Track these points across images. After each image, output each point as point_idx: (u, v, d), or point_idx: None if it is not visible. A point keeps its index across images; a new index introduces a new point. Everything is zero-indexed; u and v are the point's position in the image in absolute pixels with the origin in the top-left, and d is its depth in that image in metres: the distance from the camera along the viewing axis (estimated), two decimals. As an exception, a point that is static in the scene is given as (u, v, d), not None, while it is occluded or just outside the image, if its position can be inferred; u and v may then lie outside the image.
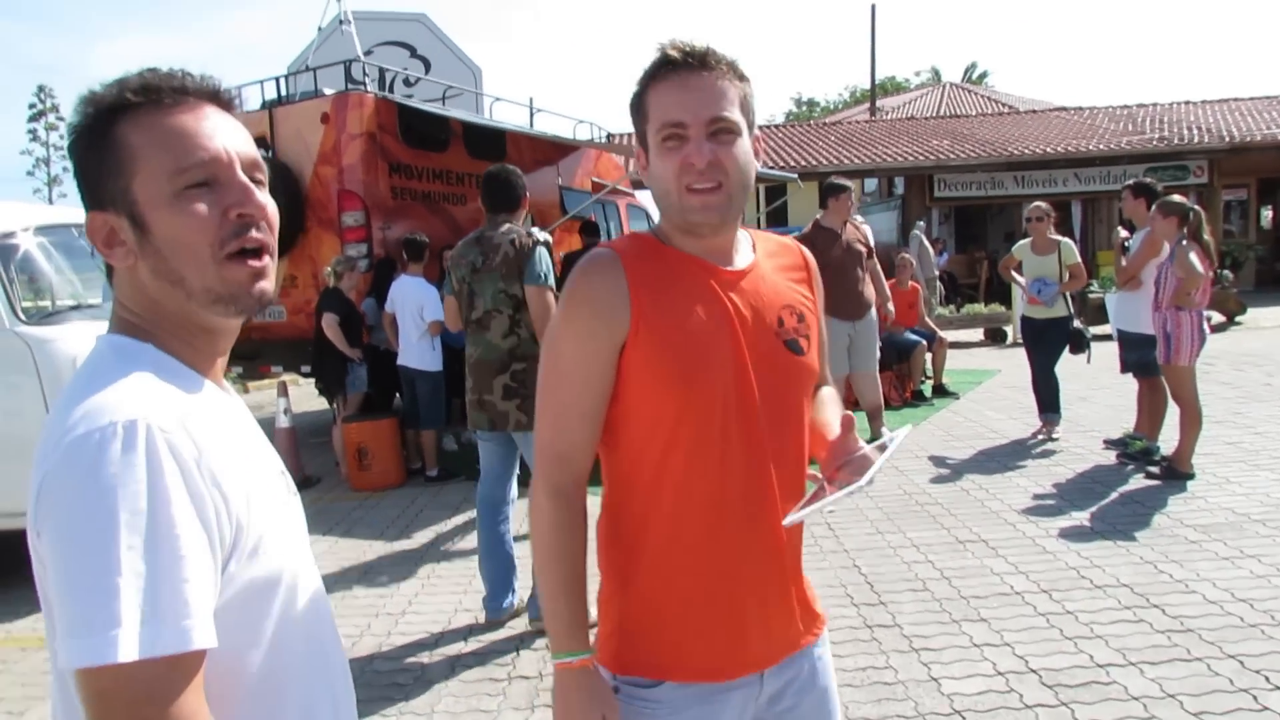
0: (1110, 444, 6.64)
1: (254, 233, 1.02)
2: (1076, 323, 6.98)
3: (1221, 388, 8.66)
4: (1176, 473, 5.70)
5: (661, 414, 1.36)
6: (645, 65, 1.38)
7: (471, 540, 5.45)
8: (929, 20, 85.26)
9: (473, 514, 6.00)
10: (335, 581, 4.87)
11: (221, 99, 1.05)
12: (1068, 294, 6.93)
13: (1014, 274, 7.29)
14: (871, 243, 8.93)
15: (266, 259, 1.04)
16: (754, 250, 1.48)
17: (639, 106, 1.39)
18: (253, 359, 8.44)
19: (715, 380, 1.36)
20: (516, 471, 4.33)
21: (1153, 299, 5.79)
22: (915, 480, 6.14)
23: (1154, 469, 5.87)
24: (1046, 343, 6.96)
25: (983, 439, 7.26)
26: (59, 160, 48.22)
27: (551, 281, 4.04)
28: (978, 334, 14.23)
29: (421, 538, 5.59)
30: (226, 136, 1.02)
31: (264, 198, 1.04)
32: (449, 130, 8.48)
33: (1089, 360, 7.20)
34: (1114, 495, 5.56)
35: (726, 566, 1.39)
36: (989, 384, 9.99)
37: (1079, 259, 6.97)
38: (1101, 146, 18.40)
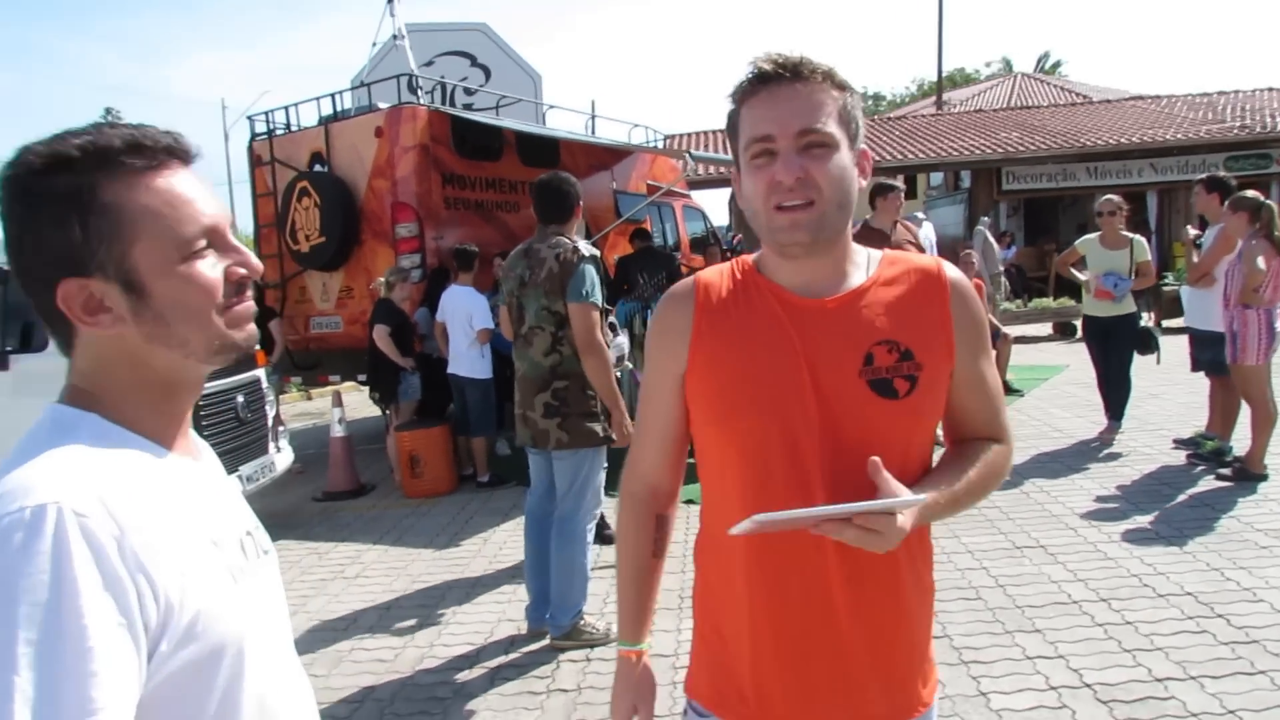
0: (1180, 444, 6.36)
1: (249, 290, 1.05)
2: (1144, 321, 6.71)
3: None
4: (1249, 474, 5.45)
5: (710, 450, 1.38)
6: (737, 82, 1.30)
7: (519, 548, 5.46)
8: (1000, 9, 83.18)
9: (520, 520, 6.05)
10: (382, 591, 4.92)
11: (190, 157, 1.04)
12: (1132, 292, 6.67)
13: (1073, 270, 7.01)
14: (931, 240, 8.74)
15: (250, 300, 1.06)
16: (869, 273, 1.34)
17: (733, 126, 1.32)
18: (312, 368, 8.65)
19: (760, 422, 1.29)
20: (598, 487, 4.17)
21: (1222, 296, 5.56)
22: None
23: (1225, 470, 5.62)
24: (1117, 342, 6.68)
25: (1047, 439, 7.01)
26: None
27: (596, 298, 3.91)
28: (1046, 328, 13.81)
29: (470, 546, 5.62)
30: (214, 198, 1.02)
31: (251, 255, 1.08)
32: (502, 139, 8.56)
33: (1159, 361, 6.93)
34: (1182, 498, 5.31)
35: (774, 623, 1.32)
36: (1056, 380, 9.66)
37: (1150, 256, 6.70)
38: (1179, 136, 17.66)
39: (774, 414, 1.28)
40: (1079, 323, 7.35)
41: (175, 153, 0.99)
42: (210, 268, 0.99)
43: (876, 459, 1.19)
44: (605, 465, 4.14)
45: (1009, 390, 8.98)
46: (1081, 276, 6.88)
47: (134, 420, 0.99)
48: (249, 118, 8.89)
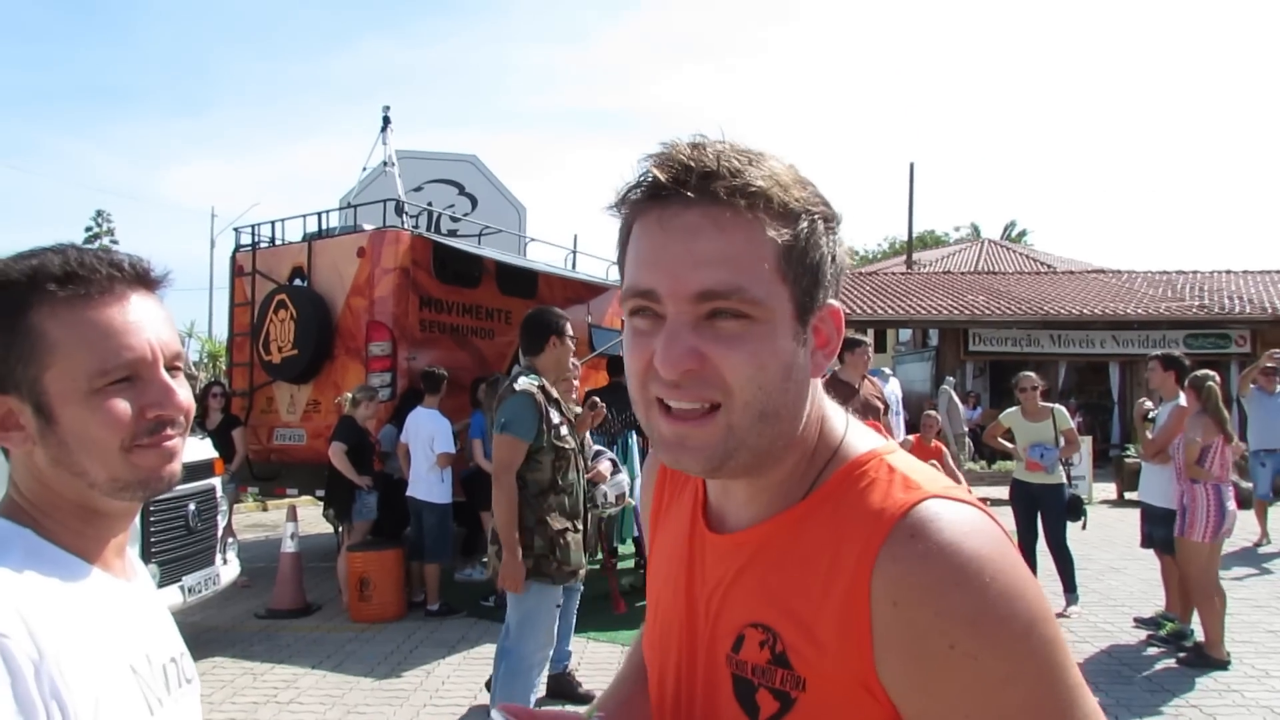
0: (1141, 623, 6.31)
1: (169, 430, 1.00)
2: (1070, 490, 6.88)
3: (1274, 566, 8.27)
4: (1208, 659, 5.39)
5: None
6: (623, 184, 0.84)
7: (461, 685, 5.28)
8: (970, 177, 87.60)
9: (467, 653, 5.88)
10: (315, 720, 4.71)
11: (148, 281, 1.02)
12: (1062, 460, 6.89)
13: (1001, 440, 7.25)
14: (897, 395, 8.90)
15: (177, 440, 1.01)
16: (805, 492, 0.86)
17: (622, 247, 0.86)
18: (270, 479, 8.52)
19: (650, 656, 1.01)
20: (547, 626, 4.01)
21: (1175, 471, 5.69)
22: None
23: (1183, 654, 5.56)
24: (1047, 512, 6.79)
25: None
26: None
27: (516, 430, 3.86)
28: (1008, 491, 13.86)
29: (412, 678, 5.42)
30: (152, 329, 0.99)
31: (184, 394, 1.01)
32: (482, 267, 8.73)
33: (1084, 527, 7.03)
34: (1140, 679, 5.25)
35: None
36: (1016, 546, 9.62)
37: (1072, 424, 7.01)
38: (1140, 310, 18.37)
39: (654, 659, 0.99)
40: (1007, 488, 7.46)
41: (125, 280, 0.99)
42: (121, 403, 0.95)
43: None
44: (559, 604, 4.05)
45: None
46: (1009, 446, 7.14)
47: (62, 538, 0.99)
48: (235, 229, 9.05)
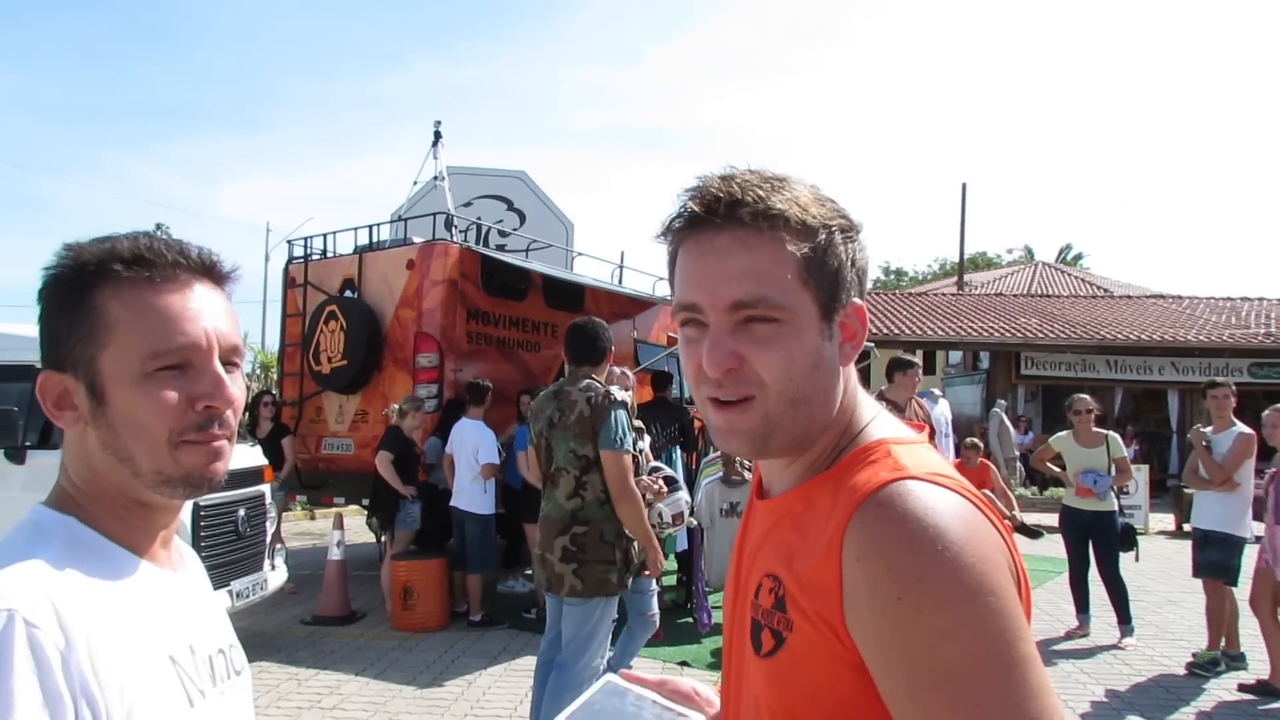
0: (1196, 668, 6.04)
1: (216, 429, 0.98)
2: (1123, 519, 6.70)
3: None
4: (1274, 690, 5.23)
5: None
6: (666, 216, 0.99)
7: (502, 695, 5.28)
8: (1024, 199, 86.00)
9: (509, 664, 5.88)
10: (355, 726, 4.73)
11: (215, 274, 1.02)
12: (1114, 488, 6.71)
13: (1049, 465, 7.09)
14: (947, 417, 8.77)
15: (225, 441, 1.00)
16: (827, 466, 0.99)
17: (671, 271, 1.01)
18: (318, 488, 8.63)
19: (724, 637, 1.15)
20: (604, 638, 3.97)
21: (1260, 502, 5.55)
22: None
23: (1248, 683, 5.39)
24: (1099, 541, 6.63)
25: (1056, 635, 6.79)
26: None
27: (628, 445, 3.86)
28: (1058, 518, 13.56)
29: (453, 687, 5.43)
30: (211, 319, 0.98)
31: (235, 388, 0.99)
32: (529, 280, 8.80)
33: (1137, 558, 6.87)
34: (1194, 713, 5.07)
35: None
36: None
37: (1126, 453, 6.84)
38: (1201, 337, 17.87)
39: (725, 612, 1.14)
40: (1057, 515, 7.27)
41: (190, 268, 0.99)
42: (170, 391, 0.95)
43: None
44: (615, 617, 4.02)
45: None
46: (1057, 471, 6.98)
47: (106, 525, 0.98)
48: (288, 241, 9.22)
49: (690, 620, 6.78)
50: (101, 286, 0.95)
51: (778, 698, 0.92)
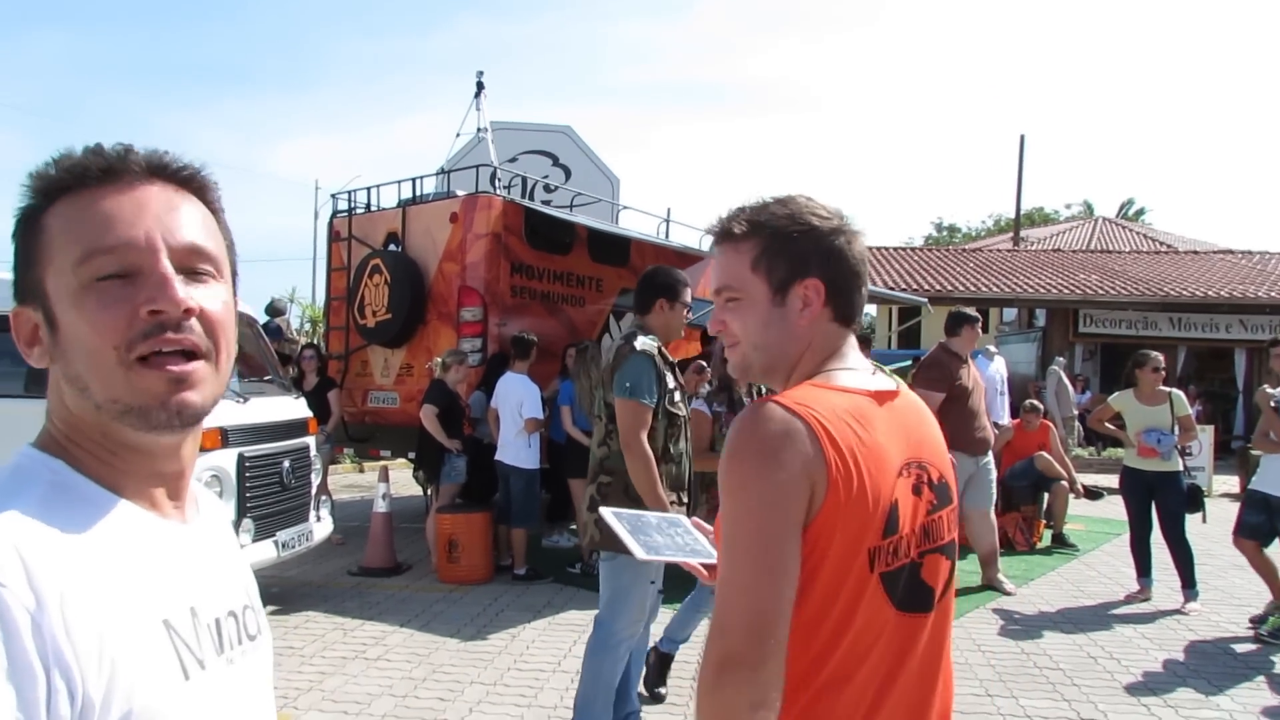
0: (1256, 622, 5.85)
1: (170, 334, 0.83)
2: (1189, 479, 6.38)
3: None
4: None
5: None
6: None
7: (546, 649, 5.24)
8: (1084, 152, 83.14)
9: (552, 618, 5.84)
10: (401, 678, 4.73)
11: (170, 175, 0.89)
12: (1179, 448, 6.42)
13: (1109, 425, 6.79)
14: (1002, 375, 8.49)
15: (195, 363, 0.85)
16: None
17: None
18: (364, 441, 8.68)
19: None
20: (639, 601, 3.71)
21: None
22: (1036, 639, 5.56)
23: None
24: (1164, 502, 6.38)
25: (1115, 598, 6.58)
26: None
27: (641, 395, 3.59)
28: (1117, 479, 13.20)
29: (497, 641, 5.41)
30: (156, 219, 0.85)
31: (196, 292, 0.85)
32: (574, 234, 8.65)
33: (1204, 519, 6.55)
34: (1261, 678, 4.87)
35: None
36: (1128, 536, 9.12)
37: (1190, 411, 6.52)
38: (1273, 294, 17.19)
39: None
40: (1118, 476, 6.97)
41: (135, 171, 0.86)
42: (108, 300, 0.82)
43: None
44: (653, 581, 3.82)
45: (1064, 544, 8.47)
46: (1116, 431, 6.70)
47: (91, 468, 0.86)
48: (333, 196, 9.17)
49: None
50: (51, 208, 0.85)
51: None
